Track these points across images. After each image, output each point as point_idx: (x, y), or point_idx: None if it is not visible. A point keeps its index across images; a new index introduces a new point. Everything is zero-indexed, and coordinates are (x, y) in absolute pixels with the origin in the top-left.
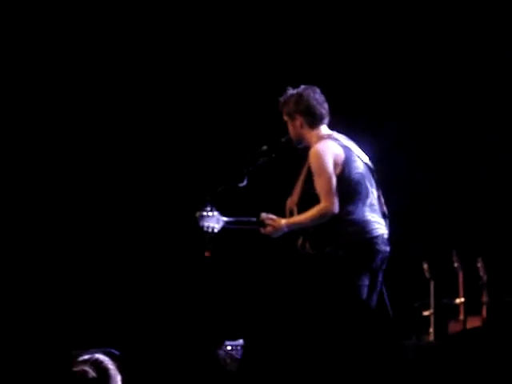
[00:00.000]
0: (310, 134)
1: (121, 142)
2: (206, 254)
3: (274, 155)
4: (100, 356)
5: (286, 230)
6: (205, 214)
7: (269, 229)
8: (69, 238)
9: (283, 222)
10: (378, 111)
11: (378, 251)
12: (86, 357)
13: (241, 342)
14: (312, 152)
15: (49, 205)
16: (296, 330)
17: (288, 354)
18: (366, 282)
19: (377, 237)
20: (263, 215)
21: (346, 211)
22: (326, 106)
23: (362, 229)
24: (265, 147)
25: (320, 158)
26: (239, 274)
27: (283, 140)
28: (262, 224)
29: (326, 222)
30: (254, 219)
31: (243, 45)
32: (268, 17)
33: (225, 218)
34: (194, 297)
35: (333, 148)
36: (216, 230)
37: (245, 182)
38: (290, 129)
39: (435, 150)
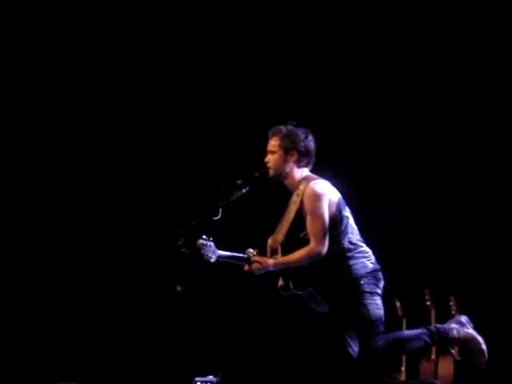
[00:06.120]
0: (295, 173)
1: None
2: (178, 288)
3: (248, 189)
4: None
5: (271, 269)
6: (204, 242)
7: (255, 265)
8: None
9: (271, 261)
10: (348, 151)
11: (381, 280)
12: None
13: (211, 377)
14: (308, 192)
15: None
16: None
17: None
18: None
19: (379, 269)
20: (250, 252)
21: (350, 246)
22: None
23: (368, 260)
24: (239, 181)
25: (316, 200)
26: (211, 308)
27: (257, 174)
28: (249, 261)
29: (328, 259)
30: (244, 255)
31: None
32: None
33: (219, 252)
34: (165, 332)
35: (328, 189)
36: (212, 261)
37: (219, 216)
38: (276, 160)
39: (407, 189)
